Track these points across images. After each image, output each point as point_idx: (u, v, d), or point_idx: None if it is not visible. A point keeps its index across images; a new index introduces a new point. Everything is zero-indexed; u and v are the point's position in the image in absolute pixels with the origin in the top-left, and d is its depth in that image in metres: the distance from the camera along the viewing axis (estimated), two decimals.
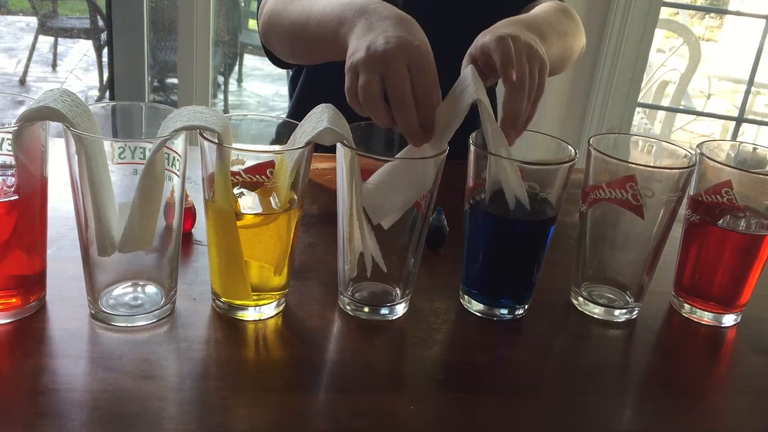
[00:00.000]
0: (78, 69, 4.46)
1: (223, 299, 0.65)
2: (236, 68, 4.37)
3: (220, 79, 4.17)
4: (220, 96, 4.19)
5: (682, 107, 3.71)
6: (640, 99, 3.62)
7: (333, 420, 0.54)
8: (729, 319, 0.72)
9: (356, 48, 0.67)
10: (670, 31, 3.83)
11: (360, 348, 0.63)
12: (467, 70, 0.67)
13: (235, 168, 0.62)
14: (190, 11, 2.01)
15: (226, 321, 0.64)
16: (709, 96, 4.02)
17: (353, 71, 0.66)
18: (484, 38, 0.71)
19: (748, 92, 2.39)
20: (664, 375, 0.66)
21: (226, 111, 3.93)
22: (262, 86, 4.39)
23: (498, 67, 0.68)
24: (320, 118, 0.62)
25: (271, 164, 0.63)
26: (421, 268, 0.76)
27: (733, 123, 2.61)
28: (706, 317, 0.72)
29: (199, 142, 0.61)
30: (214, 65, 3.80)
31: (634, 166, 0.66)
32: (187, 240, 0.76)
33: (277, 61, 1.02)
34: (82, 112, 0.59)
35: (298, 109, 1.13)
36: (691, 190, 0.71)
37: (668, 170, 0.68)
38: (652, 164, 0.72)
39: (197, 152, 0.63)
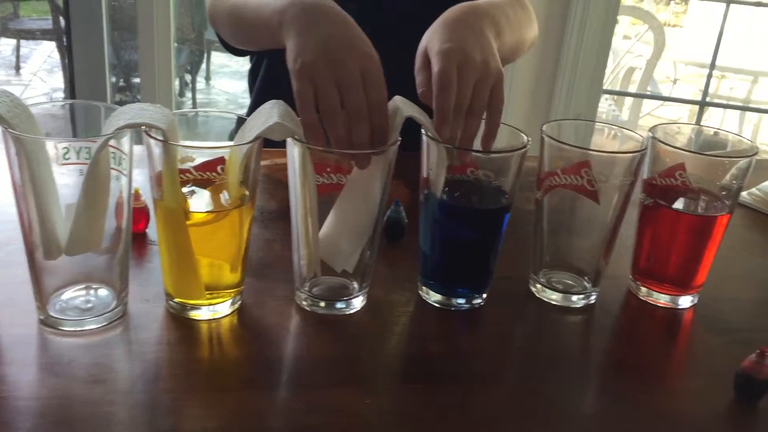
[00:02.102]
0: (42, 71, 4.38)
1: (176, 300, 0.64)
2: (204, 66, 4.33)
3: (188, 77, 4.13)
4: (189, 94, 4.15)
5: (648, 93, 3.74)
6: (608, 86, 3.66)
7: (287, 417, 0.54)
8: (685, 301, 0.73)
9: (302, 48, 0.65)
10: (636, 18, 3.87)
11: (316, 343, 0.63)
12: (395, 100, 0.66)
13: (185, 165, 0.61)
14: (149, 9, 1.98)
15: (180, 322, 0.63)
16: (675, 81, 4.07)
17: (306, 77, 0.63)
18: (432, 46, 0.68)
19: (710, 76, 2.42)
20: (622, 358, 0.66)
21: (194, 109, 3.89)
22: (231, 83, 4.34)
23: (434, 91, 0.65)
24: (270, 113, 0.61)
25: (221, 161, 0.62)
26: (381, 261, 0.75)
27: (702, 107, 2.64)
28: (662, 299, 0.72)
29: (144, 140, 0.60)
30: (180, 63, 3.76)
31: (587, 151, 0.66)
32: (141, 240, 0.75)
33: (229, 47, 1.01)
34: (21, 112, 0.57)
35: (260, 104, 1.11)
36: (645, 174, 0.71)
37: (621, 155, 0.68)
38: (606, 149, 0.72)
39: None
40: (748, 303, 0.75)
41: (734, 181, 0.68)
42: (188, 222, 0.61)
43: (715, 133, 0.78)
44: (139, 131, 0.59)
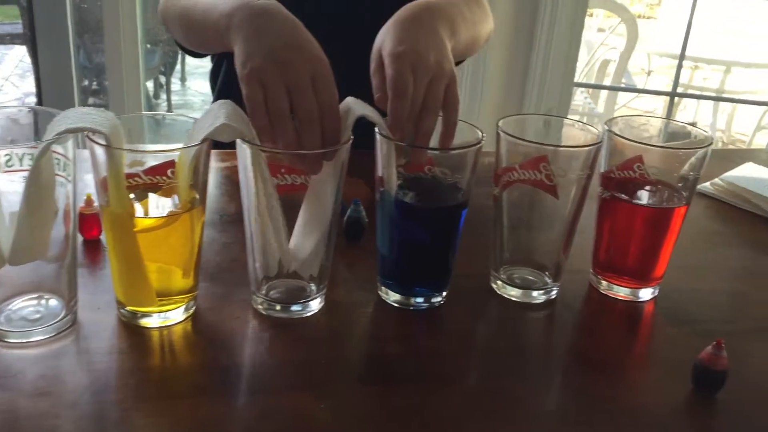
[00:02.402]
0: (14, 76, 4.32)
1: (127, 307, 0.63)
2: (178, 67, 4.29)
3: (162, 78, 4.09)
4: (164, 96, 4.11)
5: (622, 85, 3.76)
6: (582, 78, 3.67)
7: (241, 424, 0.53)
8: (646, 293, 0.72)
9: (250, 52, 0.63)
10: (609, 11, 3.88)
11: (272, 348, 0.62)
12: (346, 101, 0.65)
13: (133, 170, 0.60)
14: (115, 10, 1.95)
15: (132, 330, 0.62)
16: (649, 73, 4.09)
17: (255, 81, 0.62)
18: (385, 48, 0.67)
19: (679, 67, 2.43)
20: (583, 353, 0.66)
21: (170, 111, 3.86)
22: (207, 84, 4.30)
23: (389, 97, 0.64)
24: (217, 114, 0.60)
25: (171, 164, 0.61)
26: (341, 261, 0.74)
27: (673, 98, 2.65)
28: (622, 293, 0.72)
29: (88, 146, 0.58)
30: (154, 65, 3.72)
31: (543, 146, 0.66)
32: (95, 247, 0.73)
33: (186, 49, 0.99)
34: None
35: None
36: (603, 167, 0.71)
37: (578, 148, 0.68)
38: (563, 143, 0.72)
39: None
40: (708, 294, 0.75)
41: (691, 173, 0.68)
42: (138, 227, 0.60)
43: (683, 126, 0.78)
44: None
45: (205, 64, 1.20)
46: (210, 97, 1.17)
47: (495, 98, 2.17)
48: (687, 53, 2.39)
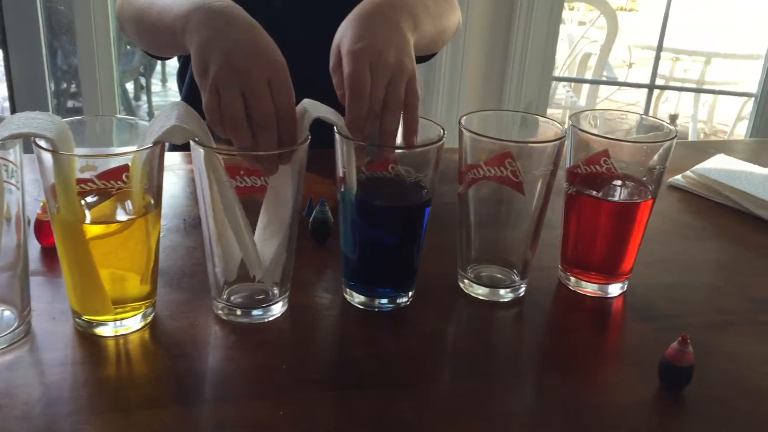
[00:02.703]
0: None
1: (83, 317, 0.61)
2: (159, 68, 4.26)
3: (143, 80, 4.06)
4: (144, 98, 4.08)
5: (605, 78, 3.77)
6: (564, 72, 3.67)
7: None
8: (614, 289, 0.72)
9: (207, 57, 0.62)
10: (589, 4, 3.88)
11: (232, 355, 0.60)
12: (303, 103, 0.64)
13: (86, 174, 0.58)
14: (87, 12, 1.92)
15: (88, 339, 0.60)
16: (630, 65, 4.10)
17: (212, 88, 0.61)
18: (344, 44, 0.66)
19: (657, 59, 2.43)
20: (551, 352, 0.65)
21: (150, 113, 3.82)
22: None
23: (346, 97, 0.64)
24: (169, 115, 0.58)
25: (126, 168, 0.59)
26: (307, 263, 0.73)
27: (652, 90, 2.65)
28: (591, 288, 0.71)
29: (35, 151, 0.57)
30: (133, 66, 3.68)
31: (507, 143, 0.65)
32: (53, 255, 0.71)
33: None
34: None
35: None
36: (569, 162, 0.70)
37: (541, 144, 0.67)
38: (527, 139, 0.71)
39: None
40: (678, 288, 0.75)
41: (657, 166, 0.67)
42: (91, 234, 0.59)
43: (655, 119, 0.77)
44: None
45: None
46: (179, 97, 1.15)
47: (474, 95, 2.16)
48: (668, 45, 2.39)
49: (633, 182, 0.69)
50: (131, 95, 3.94)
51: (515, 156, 0.65)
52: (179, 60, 1.12)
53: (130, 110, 3.57)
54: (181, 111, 0.59)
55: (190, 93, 1.08)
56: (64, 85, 3.53)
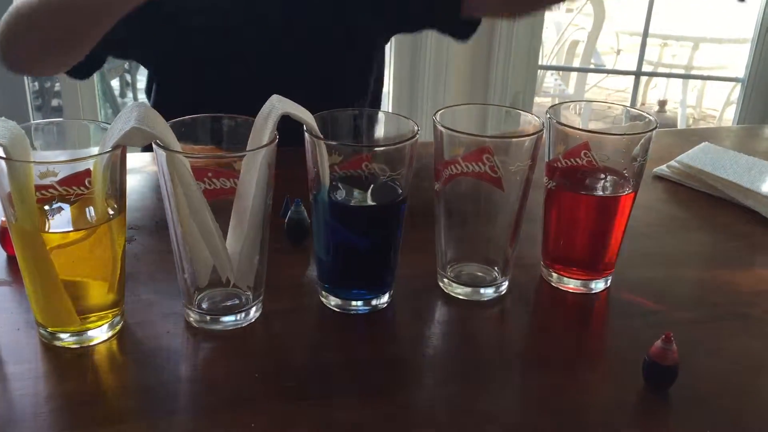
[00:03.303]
0: None
1: (48, 328, 0.59)
2: None
3: (128, 76, 4.03)
4: (130, 95, 4.05)
5: (592, 65, 3.75)
6: (552, 60, 3.65)
7: None
8: (598, 284, 0.70)
9: None
10: None
11: (203, 364, 0.58)
12: (271, 99, 0.61)
13: (46, 181, 0.56)
14: None
15: (53, 351, 0.58)
16: (618, 52, 4.08)
17: None
18: None
19: (644, 45, 2.41)
20: (533, 351, 0.63)
21: None
22: None
23: None
24: (129, 117, 0.56)
25: (88, 173, 0.57)
26: (283, 265, 0.71)
27: (639, 77, 2.64)
28: (573, 284, 0.69)
29: None
30: (118, 63, 3.64)
31: (483, 138, 0.63)
32: (16, 265, 0.69)
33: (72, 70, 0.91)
34: None
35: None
36: (548, 156, 0.68)
37: (519, 138, 0.65)
38: (505, 133, 0.69)
39: None
40: (662, 282, 0.73)
41: (638, 158, 0.66)
42: (54, 243, 0.56)
43: (638, 110, 0.75)
44: None
45: None
46: None
47: (460, 86, 2.14)
48: (655, 31, 2.38)
49: (614, 175, 0.68)
50: (116, 92, 3.90)
51: (493, 151, 0.63)
52: (147, 78, 1.09)
53: (116, 107, 3.54)
54: (141, 112, 0.56)
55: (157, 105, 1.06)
56: (48, 84, 3.50)
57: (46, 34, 0.84)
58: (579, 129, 0.65)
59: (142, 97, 4.06)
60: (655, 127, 0.65)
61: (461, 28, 1.02)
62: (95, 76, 2.01)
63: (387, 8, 0.99)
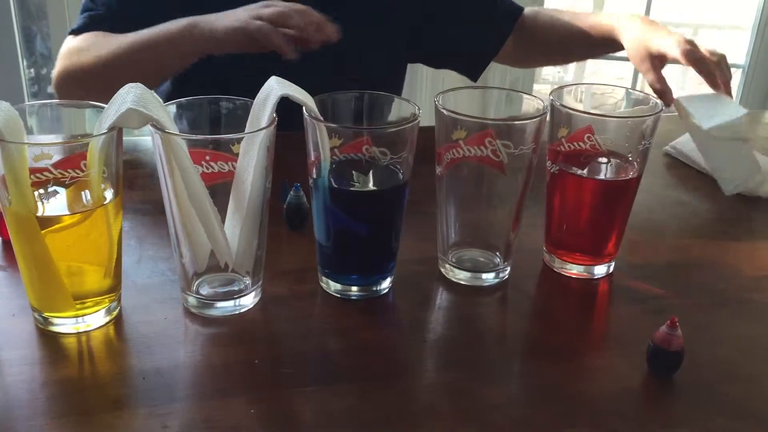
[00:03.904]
0: None
1: (43, 313, 0.58)
2: None
3: None
4: None
5: None
6: None
7: None
8: (600, 270, 0.69)
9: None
10: None
11: (201, 350, 0.57)
12: (270, 80, 0.60)
13: (41, 163, 0.55)
14: None
15: (49, 337, 0.57)
16: None
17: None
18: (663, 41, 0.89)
19: None
20: (535, 338, 0.62)
21: None
22: None
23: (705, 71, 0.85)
24: (124, 99, 0.55)
25: (83, 156, 0.56)
26: (282, 251, 0.70)
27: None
28: (576, 270, 0.69)
29: None
30: None
31: (485, 121, 0.62)
32: (11, 249, 0.68)
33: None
34: None
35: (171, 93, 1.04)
36: (551, 140, 0.67)
37: (522, 121, 0.64)
38: (507, 116, 0.68)
39: None
40: (664, 267, 0.72)
41: (642, 141, 0.65)
42: (50, 227, 0.55)
43: (640, 93, 0.74)
44: None
45: None
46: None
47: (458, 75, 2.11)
48: (654, 17, 2.35)
49: (618, 159, 0.67)
50: None
51: (495, 135, 0.62)
52: None
53: None
54: (137, 93, 0.55)
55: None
56: (44, 70, 3.46)
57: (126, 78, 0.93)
58: (583, 112, 0.64)
59: None
60: (661, 110, 0.64)
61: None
62: None
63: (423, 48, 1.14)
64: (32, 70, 3.31)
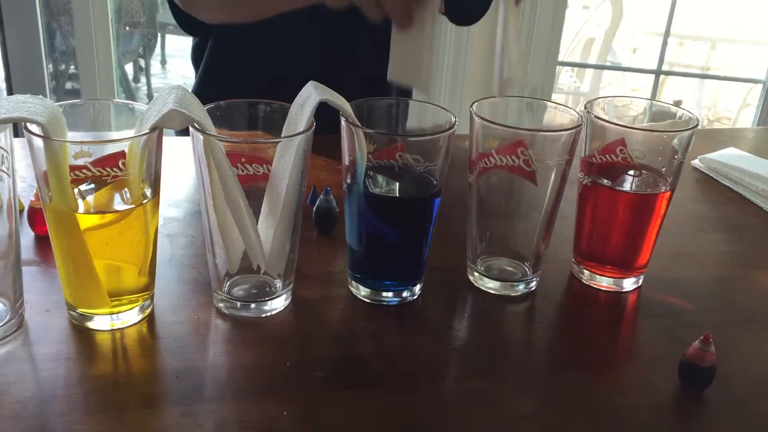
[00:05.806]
0: None
1: (78, 309, 0.58)
2: (158, 50, 4.21)
3: (142, 61, 4.01)
4: (143, 79, 4.03)
5: (608, 63, 3.72)
6: (567, 57, 3.63)
7: None
8: (629, 283, 0.69)
9: None
10: None
11: (233, 350, 0.58)
12: (307, 86, 0.60)
13: (80, 161, 0.55)
14: None
15: (83, 333, 0.58)
16: (634, 50, 4.05)
17: None
18: None
19: (665, 44, 2.39)
20: (564, 349, 0.62)
21: (150, 95, 3.78)
22: (187, 66, 4.22)
23: None
24: (166, 100, 0.55)
25: (122, 155, 0.56)
26: (311, 254, 0.71)
27: (658, 76, 2.61)
28: (605, 283, 0.69)
29: (26, 137, 0.54)
30: (132, 48, 3.63)
31: (519, 130, 0.62)
32: (48, 244, 0.69)
33: (187, 25, 0.95)
34: None
35: (204, 86, 1.04)
36: (584, 152, 0.67)
37: (557, 132, 0.64)
38: (542, 127, 0.68)
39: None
40: (694, 283, 0.72)
41: (676, 155, 0.65)
42: (88, 224, 0.56)
43: (668, 106, 0.74)
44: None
45: (187, 46, 1.13)
46: (192, 79, 1.10)
47: (477, 79, 2.12)
48: (672, 30, 2.35)
49: (650, 172, 0.67)
50: (130, 77, 3.89)
51: (528, 144, 0.62)
52: (195, 44, 1.08)
53: (129, 92, 3.53)
54: (179, 95, 0.56)
55: (207, 66, 1.04)
56: (63, 66, 3.49)
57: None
58: (617, 124, 0.64)
59: (155, 82, 4.06)
60: (697, 125, 0.64)
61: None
62: (113, 59, 2.00)
63: None
64: (50, 66, 3.34)
